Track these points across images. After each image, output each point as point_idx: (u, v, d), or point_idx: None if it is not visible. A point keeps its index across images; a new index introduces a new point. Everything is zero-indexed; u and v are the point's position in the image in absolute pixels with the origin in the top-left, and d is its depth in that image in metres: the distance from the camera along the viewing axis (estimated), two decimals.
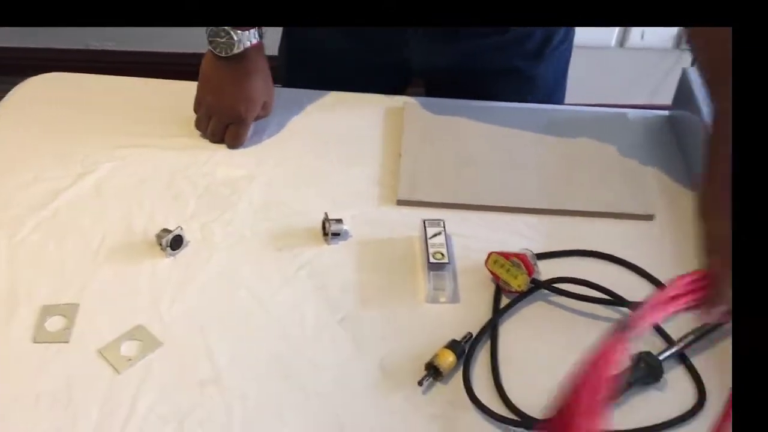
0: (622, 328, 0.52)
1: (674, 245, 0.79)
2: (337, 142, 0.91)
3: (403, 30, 0.94)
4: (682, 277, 0.58)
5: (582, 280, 0.73)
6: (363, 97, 0.97)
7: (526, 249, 0.74)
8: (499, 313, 0.71)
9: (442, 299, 0.73)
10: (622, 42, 1.91)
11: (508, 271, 0.72)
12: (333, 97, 0.97)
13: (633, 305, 0.71)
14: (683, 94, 0.89)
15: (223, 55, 0.87)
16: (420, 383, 0.65)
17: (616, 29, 1.88)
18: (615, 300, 0.72)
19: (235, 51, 0.87)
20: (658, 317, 0.57)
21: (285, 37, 1.04)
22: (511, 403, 0.64)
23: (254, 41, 0.88)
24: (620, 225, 0.81)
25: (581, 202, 0.82)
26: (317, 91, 0.98)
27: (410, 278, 0.76)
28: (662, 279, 0.75)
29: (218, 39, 0.87)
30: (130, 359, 0.68)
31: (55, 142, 0.90)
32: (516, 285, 0.71)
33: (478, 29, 0.94)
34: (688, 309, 0.58)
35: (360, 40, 0.97)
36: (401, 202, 0.83)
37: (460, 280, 0.75)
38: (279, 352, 0.69)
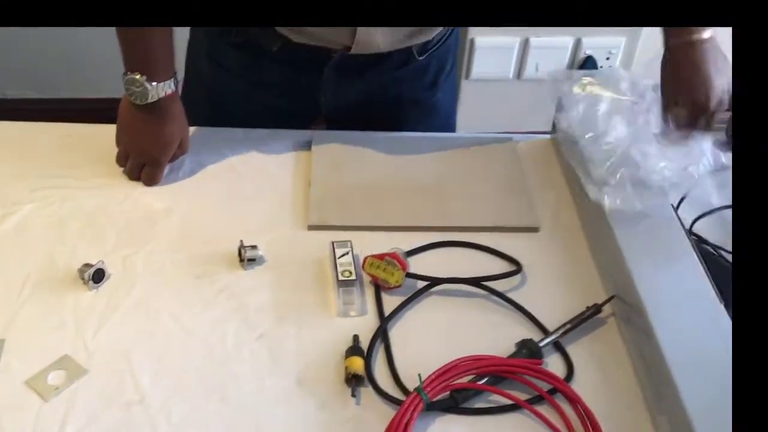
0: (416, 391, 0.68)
1: (557, 253, 0.89)
2: (250, 175, 0.98)
3: (318, 73, 1.01)
4: (469, 358, 0.73)
5: (447, 278, 0.83)
6: (271, 133, 1.03)
7: (396, 248, 0.82)
8: (385, 317, 0.79)
9: (352, 313, 0.80)
10: (519, 74, 2.05)
11: (384, 270, 0.80)
12: (243, 133, 1.03)
13: (484, 285, 0.82)
14: (561, 118, 0.99)
15: (138, 102, 0.92)
16: (353, 395, 0.71)
17: (513, 62, 2.02)
18: (471, 281, 0.82)
19: (149, 100, 0.91)
20: (445, 383, 0.71)
21: (186, 83, 1.08)
22: (403, 385, 0.72)
23: (169, 91, 0.92)
24: (510, 237, 0.90)
25: (473, 218, 0.91)
26: (229, 129, 1.04)
27: (322, 296, 0.82)
28: (543, 278, 0.84)
29: (133, 87, 0.91)
30: (57, 388, 0.71)
31: None
32: (394, 281, 0.80)
33: (381, 65, 1.02)
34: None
35: (269, 85, 1.04)
36: (312, 227, 0.90)
37: (369, 293, 0.82)
38: (201, 370, 0.74)
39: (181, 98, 0.97)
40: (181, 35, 1.02)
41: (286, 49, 0.97)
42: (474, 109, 2.13)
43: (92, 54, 1.94)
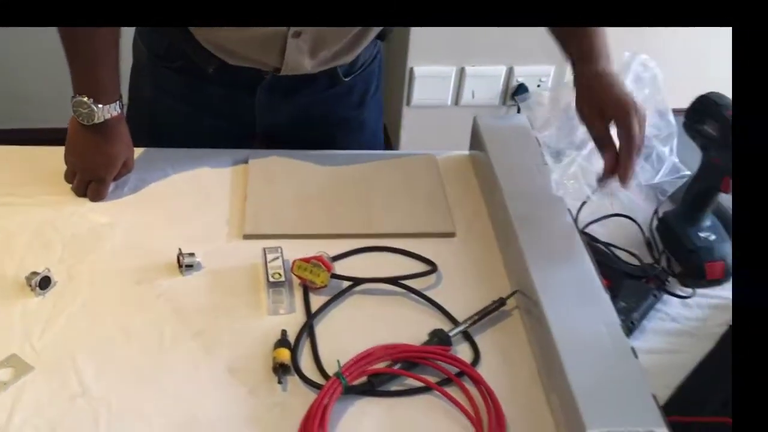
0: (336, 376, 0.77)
1: (470, 256, 0.98)
2: (190, 191, 1.05)
3: (252, 94, 1.10)
4: (384, 346, 0.81)
5: (368, 278, 0.92)
6: (210, 152, 1.11)
7: (322, 251, 0.91)
8: (312, 314, 0.87)
9: (282, 311, 0.88)
10: (456, 101, 2.16)
11: (311, 272, 0.88)
12: (185, 153, 1.11)
13: (401, 283, 0.91)
14: (476, 138, 1.10)
15: (85, 123, 0.99)
16: (280, 382, 0.79)
17: (451, 90, 2.13)
18: (389, 280, 0.91)
19: (96, 121, 0.98)
20: (362, 368, 0.79)
21: (131, 106, 1.14)
22: (326, 373, 0.80)
23: (114, 113, 0.99)
24: (428, 242, 0.99)
25: (395, 225, 1.00)
26: (171, 149, 1.11)
27: (255, 297, 0.90)
28: (457, 277, 0.93)
29: (81, 109, 0.98)
30: (5, 383, 0.77)
31: None
32: (320, 282, 0.88)
33: (310, 86, 1.10)
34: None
35: (208, 107, 1.12)
36: (247, 236, 0.97)
37: (297, 294, 0.90)
38: (140, 365, 0.80)
39: (126, 120, 1.04)
40: (126, 61, 1.10)
41: (222, 71, 1.06)
42: (415, 133, 2.24)
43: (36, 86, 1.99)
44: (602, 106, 0.89)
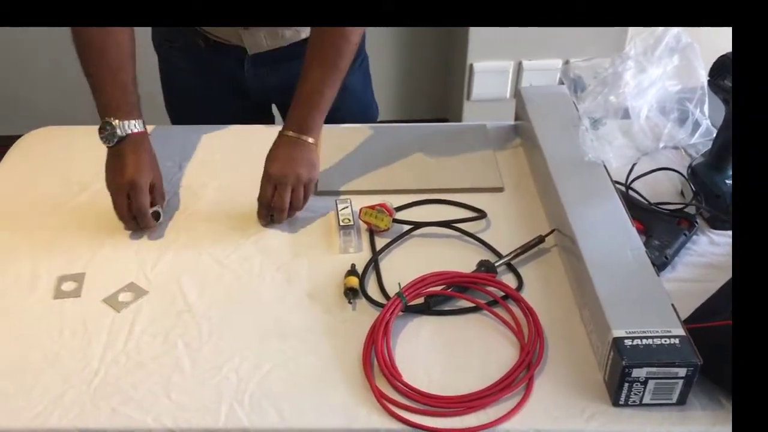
0: (396, 296, 0.90)
1: (516, 206, 1.10)
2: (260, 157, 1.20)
3: (241, 65, 1.25)
4: (438, 272, 0.94)
5: (426, 222, 1.05)
6: (267, 128, 1.27)
7: (385, 201, 1.04)
8: (377, 251, 1.01)
9: (351, 250, 1.02)
10: (515, 94, 2.29)
11: (375, 217, 1.02)
12: (252, 127, 1.28)
13: (454, 226, 1.04)
14: (520, 105, 1.22)
15: (110, 145, 1.04)
16: (350, 302, 0.93)
17: (509, 83, 2.25)
18: (444, 224, 1.04)
19: (118, 135, 1.02)
20: (419, 290, 0.92)
21: (164, 93, 1.32)
22: (389, 296, 0.94)
23: (135, 130, 1.04)
24: (481, 196, 1.12)
25: (450, 181, 1.13)
26: (241, 126, 1.28)
27: (328, 239, 1.04)
28: (504, 224, 1.06)
29: (104, 132, 1.03)
30: (126, 303, 0.94)
31: (56, 173, 1.18)
32: (383, 225, 1.02)
33: (289, 58, 1.20)
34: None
35: (210, 79, 1.29)
36: (321, 193, 1.12)
37: (364, 238, 1.04)
38: (234, 290, 0.96)
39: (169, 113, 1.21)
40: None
41: (212, 47, 1.23)
42: None
43: None
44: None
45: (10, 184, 1.16)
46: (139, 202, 1.02)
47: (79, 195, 1.13)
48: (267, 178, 1.04)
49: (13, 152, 1.25)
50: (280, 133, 1.07)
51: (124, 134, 1.04)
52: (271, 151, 1.07)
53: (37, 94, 2.42)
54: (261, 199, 1.05)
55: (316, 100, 1.05)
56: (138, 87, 1.07)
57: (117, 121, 1.03)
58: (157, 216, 1.05)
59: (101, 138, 1.04)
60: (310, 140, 1.06)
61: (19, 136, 1.29)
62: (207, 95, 1.32)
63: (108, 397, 0.82)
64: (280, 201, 1.03)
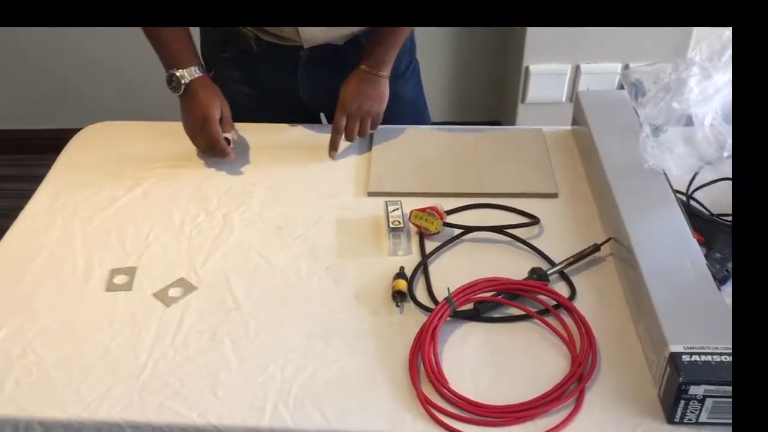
0: (445, 301, 0.88)
1: (570, 213, 1.07)
2: (315, 156, 1.21)
3: (294, 70, 1.25)
4: (489, 278, 0.93)
5: (477, 227, 1.04)
6: (314, 127, 1.28)
7: (436, 204, 1.02)
8: (426, 254, 1.00)
9: (400, 252, 1.01)
10: (571, 97, 2.24)
11: (426, 220, 1.00)
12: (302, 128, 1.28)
13: (506, 231, 1.03)
14: (578, 110, 1.19)
15: (179, 93, 1.16)
16: (397, 305, 0.92)
17: (566, 86, 2.21)
18: (496, 229, 1.03)
19: (183, 84, 1.14)
20: (468, 296, 0.90)
21: None
22: (437, 300, 0.92)
23: (196, 75, 1.16)
24: (535, 202, 1.09)
25: (504, 186, 1.11)
26: (285, 125, 1.29)
27: (377, 241, 1.03)
28: (557, 231, 1.03)
29: (172, 84, 1.16)
30: (176, 298, 0.95)
31: (112, 167, 1.20)
32: (433, 228, 1.00)
33: (341, 60, 1.22)
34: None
35: (261, 87, 1.29)
36: (371, 194, 1.11)
37: (414, 240, 1.03)
38: (281, 289, 0.96)
39: None
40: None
41: (265, 53, 1.22)
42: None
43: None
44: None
45: (67, 177, 1.19)
46: (209, 132, 1.14)
47: (134, 189, 1.15)
48: (341, 109, 1.18)
49: (72, 145, 1.28)
50: (357, 68, 1.19)
51: (188, 81, 1.15)
52: (346, 84, 1.19)
53: (97, 90, 2.48)
54: (335, 126, 1.18)
55: (393, 38, 1.18)
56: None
57: (181, 71, 1.15)
58: (227, 143, 1.11)
59: (170, 89, 1.16)
60: (383, 74, 1.18)
61: (78, 130, 1.32)
62: (258, 106, 1.32)
63: (155, 392, 0.82)
64: (351, 130, 1.18)
